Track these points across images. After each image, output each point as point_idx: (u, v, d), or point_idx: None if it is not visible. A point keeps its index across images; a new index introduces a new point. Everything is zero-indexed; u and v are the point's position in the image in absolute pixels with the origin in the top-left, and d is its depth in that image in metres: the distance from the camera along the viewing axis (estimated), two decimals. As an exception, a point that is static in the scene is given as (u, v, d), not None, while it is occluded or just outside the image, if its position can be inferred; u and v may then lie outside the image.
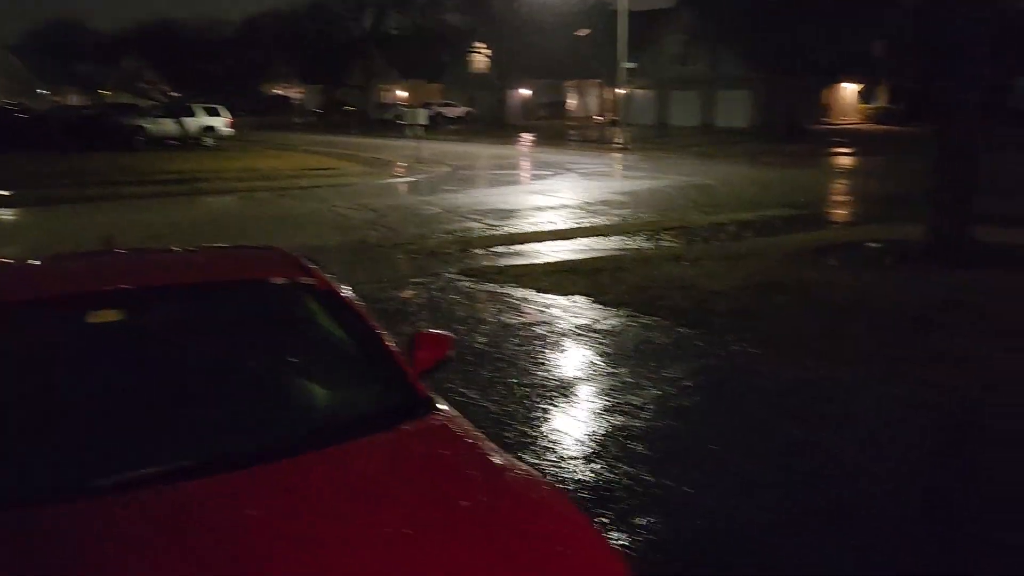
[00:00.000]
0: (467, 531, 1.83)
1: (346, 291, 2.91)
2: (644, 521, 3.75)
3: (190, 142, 30.29)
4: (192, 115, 31.65)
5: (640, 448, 4.60)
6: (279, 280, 2.80)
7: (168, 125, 30.48)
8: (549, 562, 1.75)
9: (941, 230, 9.64)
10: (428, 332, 2.94)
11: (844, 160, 26.91)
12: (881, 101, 49.72)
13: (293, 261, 2.99)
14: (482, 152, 29.99)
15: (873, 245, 10.22)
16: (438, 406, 2.43)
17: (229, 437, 2.25)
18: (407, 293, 8.85)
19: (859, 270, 9.15)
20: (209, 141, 31.27)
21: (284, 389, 2.55)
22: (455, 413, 2.42)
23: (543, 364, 6.17)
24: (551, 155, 28.21)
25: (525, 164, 26.53)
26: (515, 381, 5.78)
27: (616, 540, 3.59)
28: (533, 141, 35.17)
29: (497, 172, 23.52)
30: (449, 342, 2.89)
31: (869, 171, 22.92)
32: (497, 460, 2.14)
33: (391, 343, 2.69)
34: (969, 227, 9.66)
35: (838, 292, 8.14)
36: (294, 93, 71.07)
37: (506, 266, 10.07)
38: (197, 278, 2.82)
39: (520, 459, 4.49)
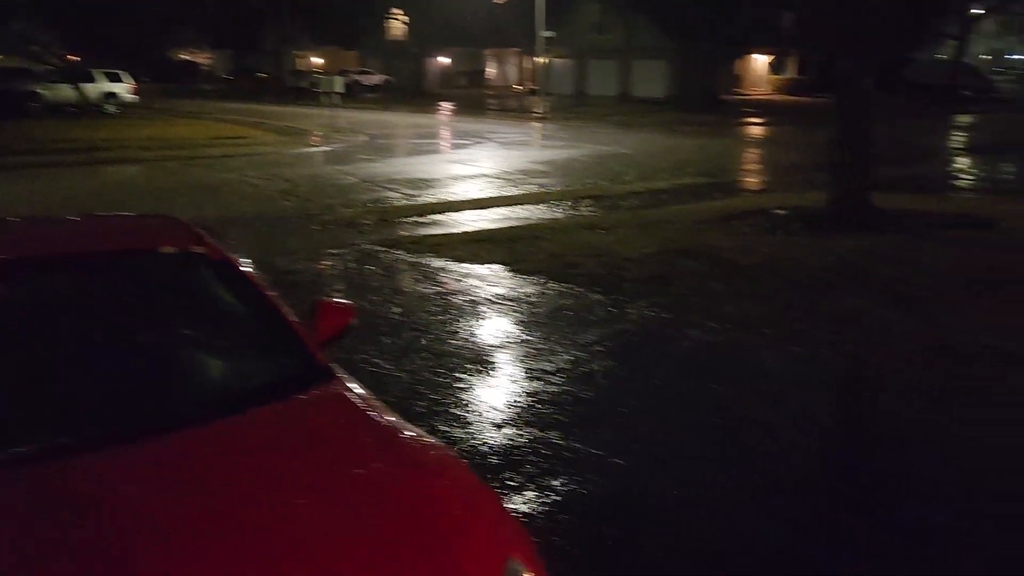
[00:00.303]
0: (360, 499, 1.82)
1: (242, 260, 2.83)
2: (554, 483, 3.81)
3: (91, 109, 28.77)
4: (92, 81, 30.03)
5: (552, 413, 4.66)
6: (169, 249, 2.70)
7: (66, 91, 28.80)
8: (444, 528, 1.76)
9: (840, 197, 10.04)
10: (329, 301, 2.89)
11: (755, 130, 27.63)
12: (791, 72, 51.09)
13: (184, 229, 2.88)
14: (400, 121, 29.55)
15: (780, 212, 10.55)
16: (338, 375, 2.40)
17: (115, 412, 2.16)
18: (322, 264, 8.70)
19: (766, 236, 9.44)
20: (111, 108, 29.78)
21: (174, 361, 2.47)
22: (354, 382, 2.40)
23: (458, 333, 6.17)
24: (470, 124, 28.02)
25: (444, 133, 26.29)
26: (430, 350, 5.77)
27: (525, 502, 3.65)
28: (452, 110, 34.83)
29: (415, 141, 23.23)
30: (351, 311, 2.85)
31: (778, 141, 23.60)
32: (394, 427, 2.13)
33: (289, 313, 2.63)
34: (866, 194, 10.08)
35: (746, 257, 8.39)
36: (202, 59, 68.25)
37: (423, 236, 10.00)
38: (82, 248, 2.69)
39: (432, 427, 4.50)
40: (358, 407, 2.21)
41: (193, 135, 22.57)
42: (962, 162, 17.32)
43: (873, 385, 5.26)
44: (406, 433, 2.13)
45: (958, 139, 21.79)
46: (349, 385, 2.35)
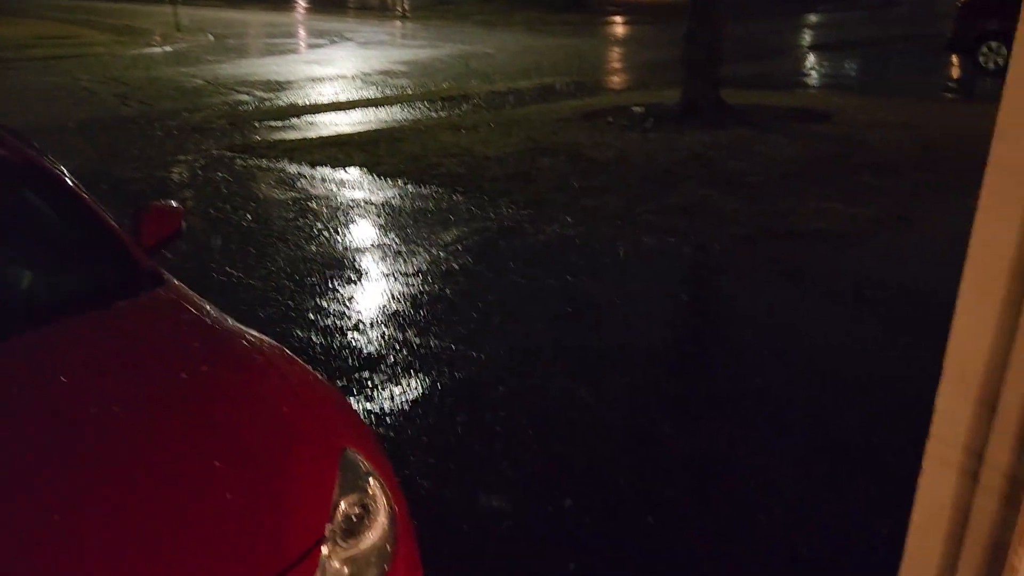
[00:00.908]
0: (186, 402, 1.79)
1: (55, 165, 2.62)
2: (411, 380, 3.88)
3: None
4: None
5: (410, 312, 4.70)
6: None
7: None
8: (275, 424, 1.76)
9: (693, 94, 10.32)
10: (155, 204, 2.74)
11: (619, 29, 27.71)
12: (653, -30, 51.24)
13: None
14: (251, 19, 27.67)
15: (637, 109, 10.75)
16: (166, 281, 2.30)
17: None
18: (167, 173, 8.20)
19: (623, 133, 9.64)
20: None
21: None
22: (184, 288, 2.31)
23: (315, 239, 6.04)
24: (328, 23, 26.62)
25: (299, 32, 24.87)
26: (285, 257, 5.63)
27: (382, 399, 3.70)
28: (308, 7, 32.89)
29: (268, 41, 21.88)
30: (179, 215, 2.72)
31: (641, 40, 23.81)
32: (224, 330, 2.08)
33: (109, 217, 2.48)
34: (717, 90, 10.42)
35: (603, 153, 8.55)
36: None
37: (278, 141, 9.58)
38: None
39: (286, 332, 4.43)
40: (186, 312, 2.14)
41: (12, 34, 20.35)
42: (809, 59, 18.10)
43: (715, 269, 5.59)
44: (236, 335, 2.08)
45: (807, 37, 22.70)
46: (178, 290, 2.26)
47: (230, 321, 2.14)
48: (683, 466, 3.17)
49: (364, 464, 1.74)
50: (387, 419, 3.52)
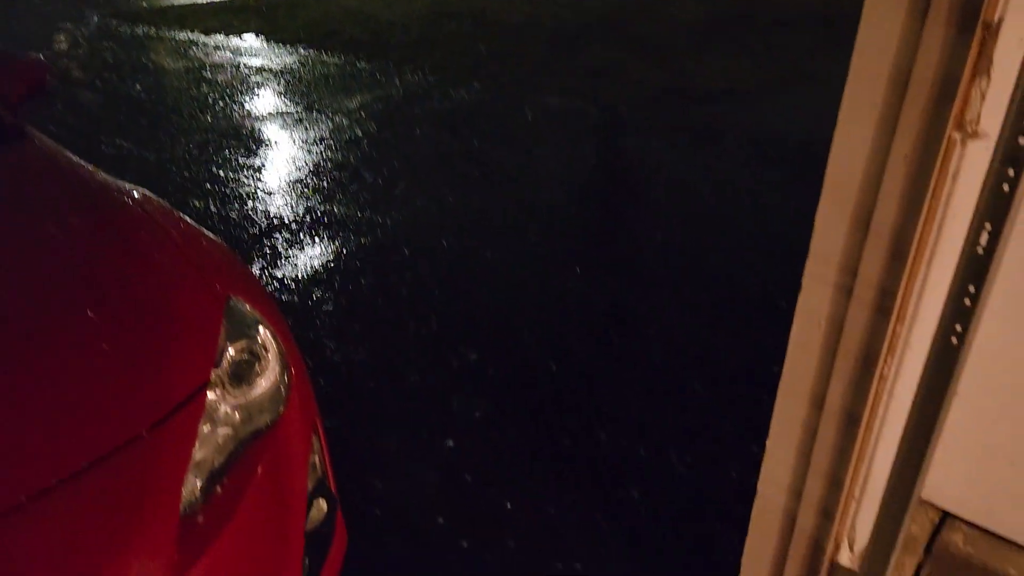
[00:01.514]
0: (59, 253, 1.71)
1: None
2: (314, 246, 3.83)
3: None
4: None
5: (313, 179, 4.58)
6: None
7: None
8: (155, 275, 1.71)
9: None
10: (18, 58, 2.53)
11: None
12: None
13: None
14: None
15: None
16: (32, 136, 2.16)
17: None
18: (48, 40, 7.58)
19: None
20: None
21: None
22: (55, 144, 2.18)
23: (211, 109, 5.75)
24: None
25: None
26: (179, 128, 5.36)
27: (284, 266, 3.65)
28: None
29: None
30: (45, 70, 2.52)
31: None
32: (99, 182, 1.99)
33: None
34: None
35: (510, 17, 8.30)
36: None
37: (167, 7, 8.93)
38: None
39: (183, 202, 4.27)
40: (56, 165, 2.02)
41: None
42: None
43: (621, 129, 5.60)
44: (112, 188, 1.99)
45: None
46: (47, 145, 2.13)
47: (104, 175, 2.04)
48: (586, 317, 3.27)
49: (251, 312, 1.72)
50: (291, 284, 3.49)
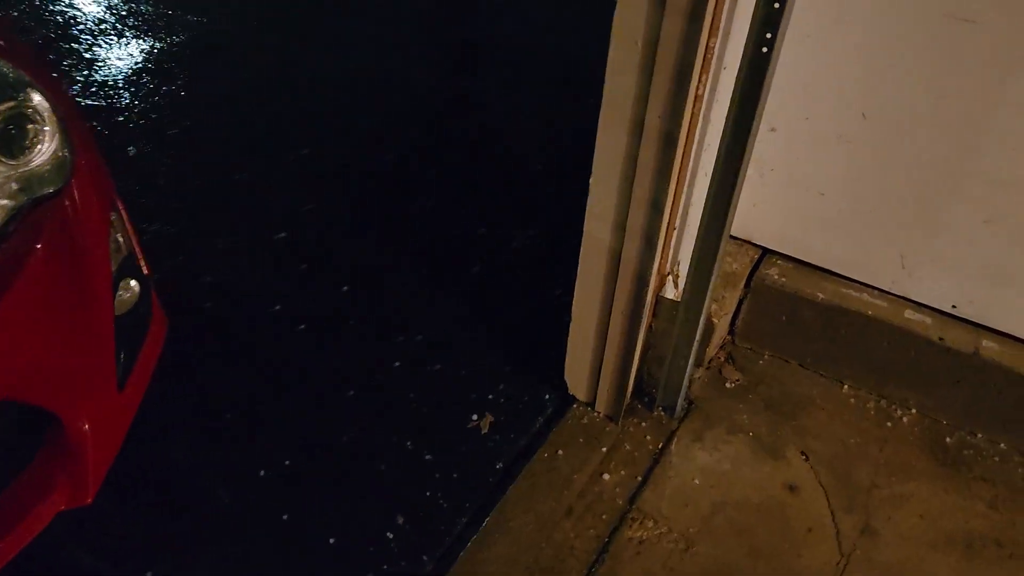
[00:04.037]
0: None
1: None
2: (128, 47, 3.43)
3: None
4: None
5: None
6: None
7: None
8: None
9: None
10: None
11: None
12: None
13: None
14: None
15: None
16: None
17: None
18: None
19: None
20: None
21: None
22: None
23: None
24: None
25: None
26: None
27: (95, 68, 3.27)
28: None
29: None
30: None
31: None
32: None
33: None
34: None
35: None
36: None
37: None
38: None
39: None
40: None
41: None
42: None
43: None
44: None
45: None
46: None
47: None
48: (428, 107, 3.14)
49: (15, 73, 1.49)
50: (105, 87, 3.14)
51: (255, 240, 1.98)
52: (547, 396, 1.49)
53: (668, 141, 1.10)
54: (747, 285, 1.51)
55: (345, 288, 1.78)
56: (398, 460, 1.36)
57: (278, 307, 1.73)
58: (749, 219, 1.53)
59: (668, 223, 1.21)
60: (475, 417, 1.44)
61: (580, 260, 1.31)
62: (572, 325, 1.39)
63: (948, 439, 1.41)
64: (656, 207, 1.17)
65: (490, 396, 1.49)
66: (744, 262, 1.52)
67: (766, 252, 1.54)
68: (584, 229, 1.27)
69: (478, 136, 2.87)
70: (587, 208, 1.24)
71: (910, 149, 1.30)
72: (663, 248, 1.25)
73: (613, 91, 1.12)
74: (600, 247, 1.26)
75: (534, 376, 1.53)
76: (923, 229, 1.35)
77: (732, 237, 1.55)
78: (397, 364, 1.55)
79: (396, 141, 2.77)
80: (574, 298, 1.36)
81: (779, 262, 1.52)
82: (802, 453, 1.37)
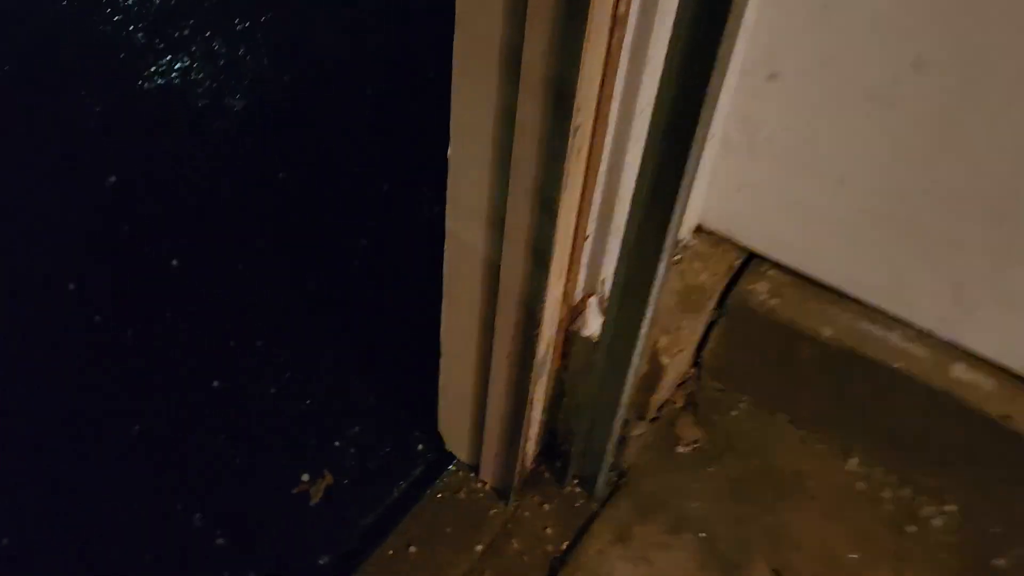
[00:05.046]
0: None
1: None
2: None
3: None
4: None
5: None
6: None
7: None
8: None
9: None
10: None
11: None
12: None
13: None
14: None
15: None
16: None
17: None
18: None
19: None
20: None
21: None
22: None
23: None
24: None
25: None
26: None
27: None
28: None
29: None
30: None
31: None
32: None
33: None
34: None
35: None
36: None
37: None
38: None
39: None
40: None
41: None
42: None
43: None
44: None
45: None
46: None
47: None
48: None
49: None
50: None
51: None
52: (419, 447, 1.05)
53: (560, 95, 0.62)
54: (720, 304, 1.04)
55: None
56: (178, 541, 0.93)
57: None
58: (730, 207, 1.03)
59: (575, 226, 0.73)
60: (306, 477, 1.00)
61: (444, 272, 0.84)
62: (442, 361, 0.93)
63: (999, 560, 0.94)
64: (547, 204, 0.69)
65: (336, 443, 1.04)
66: (718, 270, 1.03)
67: (752, 257, 1.05)
68: (446, 227, 0.79)
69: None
70: (448, 195, 0.76)
71: (997, 122, 0.79)
72: (568, 265, 0.77)
73: (470, 17, 0.63)
74: (470, 256, 0.79)
75: (406, 416, 1.08)
76: (996, 251, 0.85)
77: (703, 231, 1.06)
78: (215, 384, 1.09)
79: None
80: (441, 323, 0.89)
81: (771, 273, 1.03)
82: (774, 572, 0.92)
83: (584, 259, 0.80)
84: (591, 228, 0.77)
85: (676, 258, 1.04)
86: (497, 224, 0.75)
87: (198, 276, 1.24)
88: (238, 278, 1.25)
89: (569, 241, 0.75)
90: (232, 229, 1.33)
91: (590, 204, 0.73)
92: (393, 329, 1.20)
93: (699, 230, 1.07)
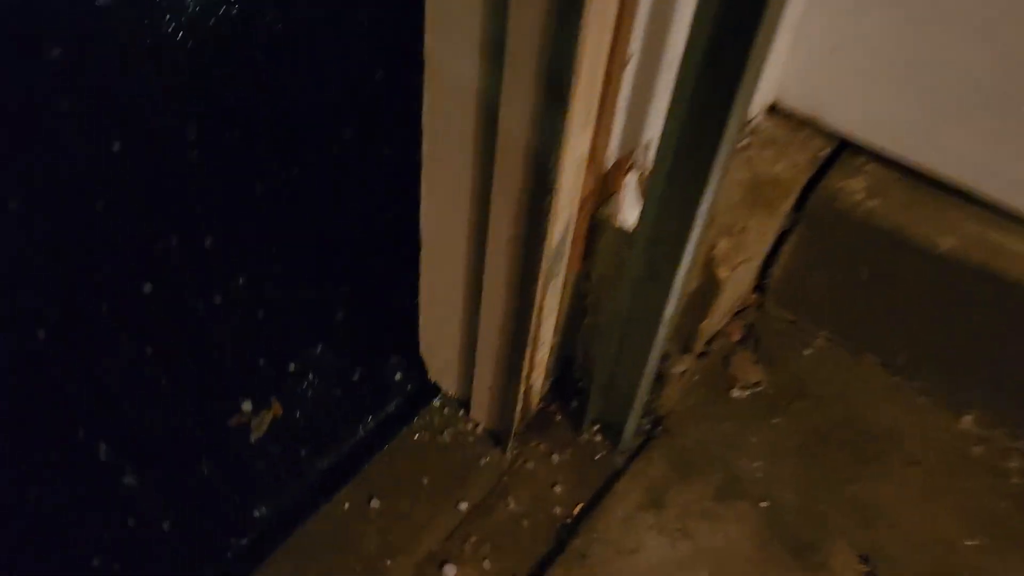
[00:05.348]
0: None
1: None
2: None
3: None
4: None
5: None
6: None
7: None
8: None
9: None
10: None
11: None
12: None
13: None
14: None
15: None
16: None
17: None
18: None
19: None
20: None
21: None
22: None
23: None
24: None
25: None
26: None
27: None
28: None
29: None
30: None
31: None
32: None
33: None
34: None
35: None
36: None
37: None
38: None
39: None
40: None
41: None
42: None
43: None
44: None
45: None
46: None
47: None
48: None
49: None
50: None
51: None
52: (396, 376, 0.82)
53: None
54: (799, 206, 0.78)
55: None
56: (75, 475, 0.72)
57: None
58: (819, 77, 0.77)
59: (613, 38, 0.49)
60: (247, 407, 0.78)
61: (424, 123, 0.60)
62: (423, 255, 0.70)
63: None
64: (573, 4, 0.44)
65: (291, 367, 0.82)
66: (799, 160, 0.78)
67: (845, 146, 0.79)
68: (425, 53, 0.55)
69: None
70: (426, 5, 0.52)
71: None
72: (599, 103, 0.53)
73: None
74: (457, 92, 0.55)
75: (381, 334, 0.85)
76: None
77: (779, 112, 0.81)
78: (146, 289, 0.87)
79: None
80: (422, 198, 0.66)
81: (870, 167, 0.78)
82: (861, 558, 0.68)
83: (622, 99, 0.55)
84: (634, 46, 0.52)
85: (744, 142, 0.79)
86: (494, 38, 0.50)
87: (135, 155, 1.02)
88: (182, 161, 1.03)
89: (601, 63, 0.50)
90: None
91: (635, 4, 0.49)
92: (367, 224, 0.96)
93: (773, 110, 0.81)
